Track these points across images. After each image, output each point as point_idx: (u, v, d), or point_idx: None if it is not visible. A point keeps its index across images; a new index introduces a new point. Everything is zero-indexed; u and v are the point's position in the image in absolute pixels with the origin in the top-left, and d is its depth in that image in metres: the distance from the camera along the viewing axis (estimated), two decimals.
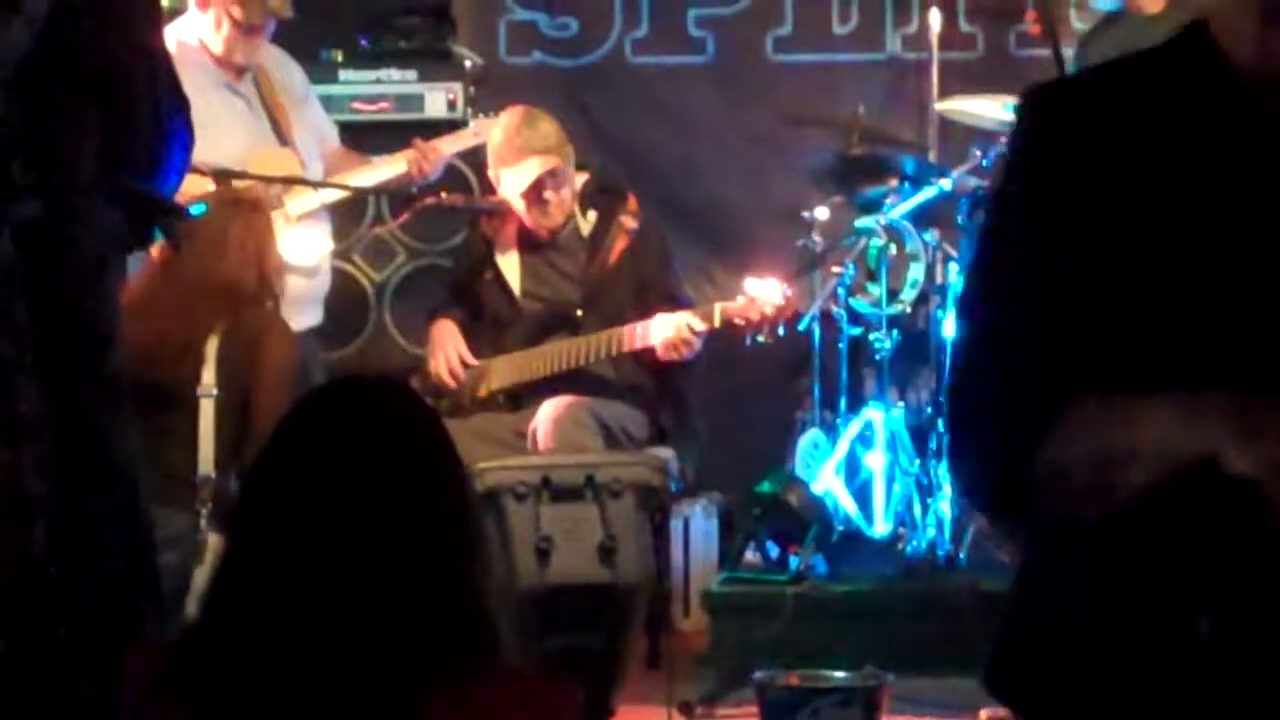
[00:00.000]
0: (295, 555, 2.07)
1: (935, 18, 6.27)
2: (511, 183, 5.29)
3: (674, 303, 5.23)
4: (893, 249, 5.74)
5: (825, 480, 5.74)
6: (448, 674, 2.03)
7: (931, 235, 5.81)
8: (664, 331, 5.11)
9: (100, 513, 2.76)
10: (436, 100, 6.18)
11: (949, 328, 5.74)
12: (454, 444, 2.21)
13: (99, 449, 2.77)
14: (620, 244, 5.34)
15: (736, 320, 5.11)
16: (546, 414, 5.10)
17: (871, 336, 5.82)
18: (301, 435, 2.17)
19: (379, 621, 2.04)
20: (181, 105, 3.03)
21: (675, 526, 5.67)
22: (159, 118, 2.93)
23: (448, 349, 5.39)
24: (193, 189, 4.49)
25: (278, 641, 2.05)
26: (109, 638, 2.70)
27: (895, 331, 5.81)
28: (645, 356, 5.21)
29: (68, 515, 2.69)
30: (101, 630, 2.71)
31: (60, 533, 2.67)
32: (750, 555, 5.67)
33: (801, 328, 5.73)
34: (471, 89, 6.18)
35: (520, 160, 5.26)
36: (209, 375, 4.36)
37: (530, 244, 5.39)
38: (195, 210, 4.27)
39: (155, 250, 4.46)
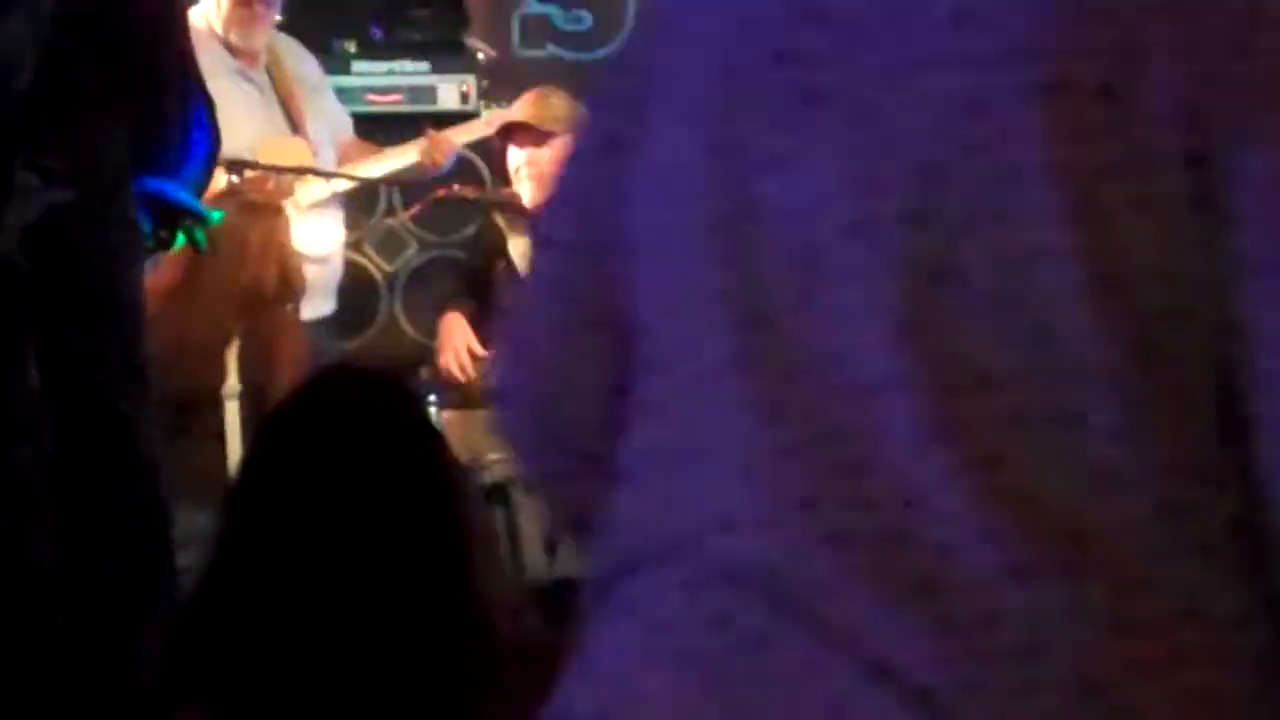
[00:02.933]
0: (280, 550, 2.06)
1: None
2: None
3: None
4: None
5: None
6: (441, 675, 2.02)
7: None
8: None
9: (120, 503, 2.76)
10: (449, 92, 6.17)
11: None
12: (444, 439, 2.20)
13: (123, 438, 2.77)
14: None
15: None
16: None
17: None
18: (291, 425, 2.16)
19: (362, 619, 2.03)
20: (208, 106, 3.02)
21: None
22: (187, 120, 2.93)
23: (457, 343, 5.39)
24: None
25: (262, 638, 2.04)
26: (126, 625, 2.70)
27: None
28: None
29: (87, 506, 2.69)
30: (119, 618, 2.71)
31: (76, 523, 2.66)
32: None
33: None
34: (484, 81, 6.18)
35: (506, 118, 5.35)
36: (233, 377, 4.36)
37: None
38: (215, 216, 4.27)
39: (173, 256, 4.48)
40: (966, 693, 1.20)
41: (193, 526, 3.88)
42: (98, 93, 2.73)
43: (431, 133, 5.47)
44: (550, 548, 4.46)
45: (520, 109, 5.34)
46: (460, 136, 5.56)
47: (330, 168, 5.32)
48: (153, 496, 2.84)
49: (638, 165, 1.38)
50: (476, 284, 5.51)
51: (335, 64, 6.00)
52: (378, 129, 5.83)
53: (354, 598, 2.04)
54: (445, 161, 5.46)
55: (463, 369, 5.36)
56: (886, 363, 1.24)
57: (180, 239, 3.12)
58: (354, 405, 2.16)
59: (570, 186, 1.48)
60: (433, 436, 2.22)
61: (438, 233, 6.26)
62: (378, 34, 6.35)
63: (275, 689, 2.03)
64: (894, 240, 1.25)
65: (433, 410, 5.01)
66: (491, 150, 5.65)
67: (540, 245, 1.50)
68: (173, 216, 3.03)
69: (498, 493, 4.49)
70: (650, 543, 1.32)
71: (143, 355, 2.84)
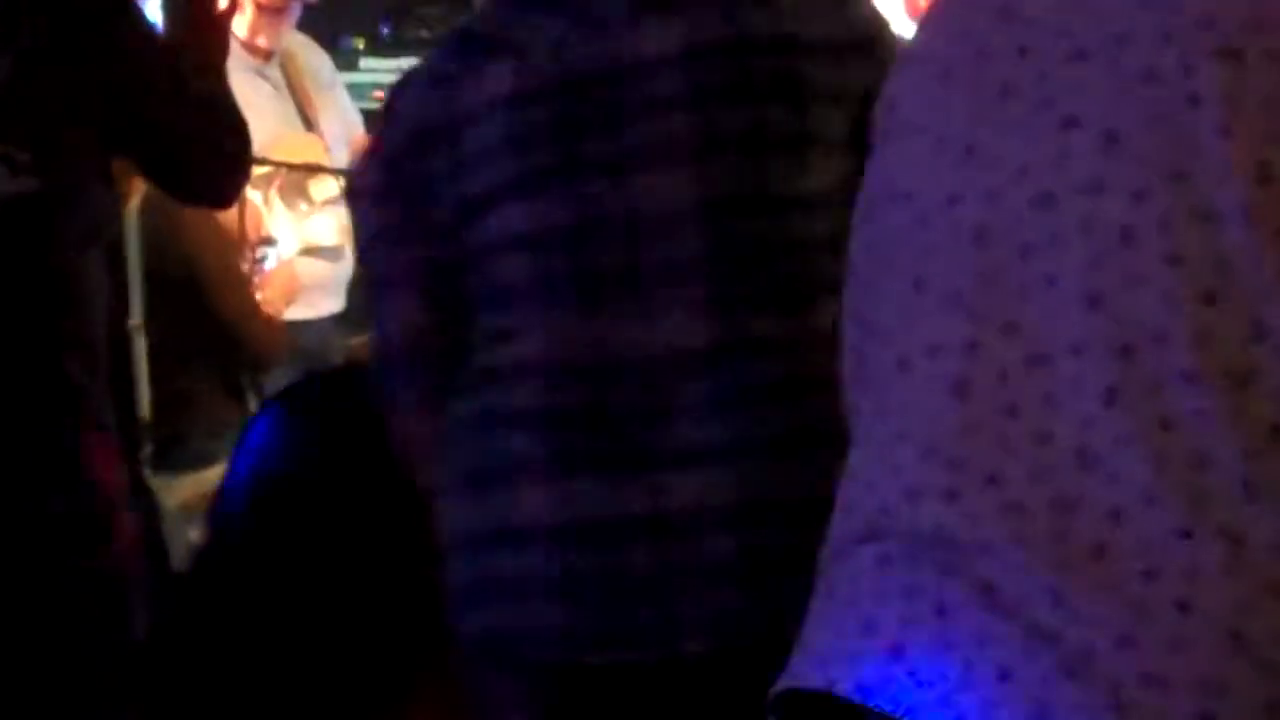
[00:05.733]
0: (272, 545, 2.07)
1: None
2: None
3: None
4: None
5: None
6: (428, 676, 2.02)
7: None
8: None
9: (72, 466, 2.83)
10: None
11: None
12: None
13: (74, 403, 2.86)
14: None
15: None
16: None
17: None
18: (284, 424, 2.17)
19: (352, 621, 2.03)
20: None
21: None
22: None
23: None
24: None
25: (250, 639, 2.05)
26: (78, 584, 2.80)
27: None
28: None
29: (40, 467, 2.78)
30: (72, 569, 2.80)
31: (29, 484, 2.76)
32: None
33: None
34: None
35: None
36: (137, 313, 4.22)
37: None
38: None
39: None
40: (1121, 647, 1.25)
41: None
42: (59, 90, 2.80)
43: None
44: None
45: None
46: None
47: (343, 165, 5.32)
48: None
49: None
50: None
51: (343, 60, 6.01)
52: None
53: (327, 593, 2.04)
54: None
55: None
56: (1068, 329, 1.31)
57: None
58: (347, 399, 2.17)
59: None
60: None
61: None
62: (386, 30, 6.36)
63: (228, 681, 2.04)
64: (1076, 209, 1.33)
65: None
66: None
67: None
68: None
69: None
70: (855, 524, 1.40)
71: (93, 333, 2.92)
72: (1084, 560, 1.27)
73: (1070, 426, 1.30)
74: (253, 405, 4.04)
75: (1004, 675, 1.27)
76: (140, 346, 4.16)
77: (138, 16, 2.93)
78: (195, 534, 3.70)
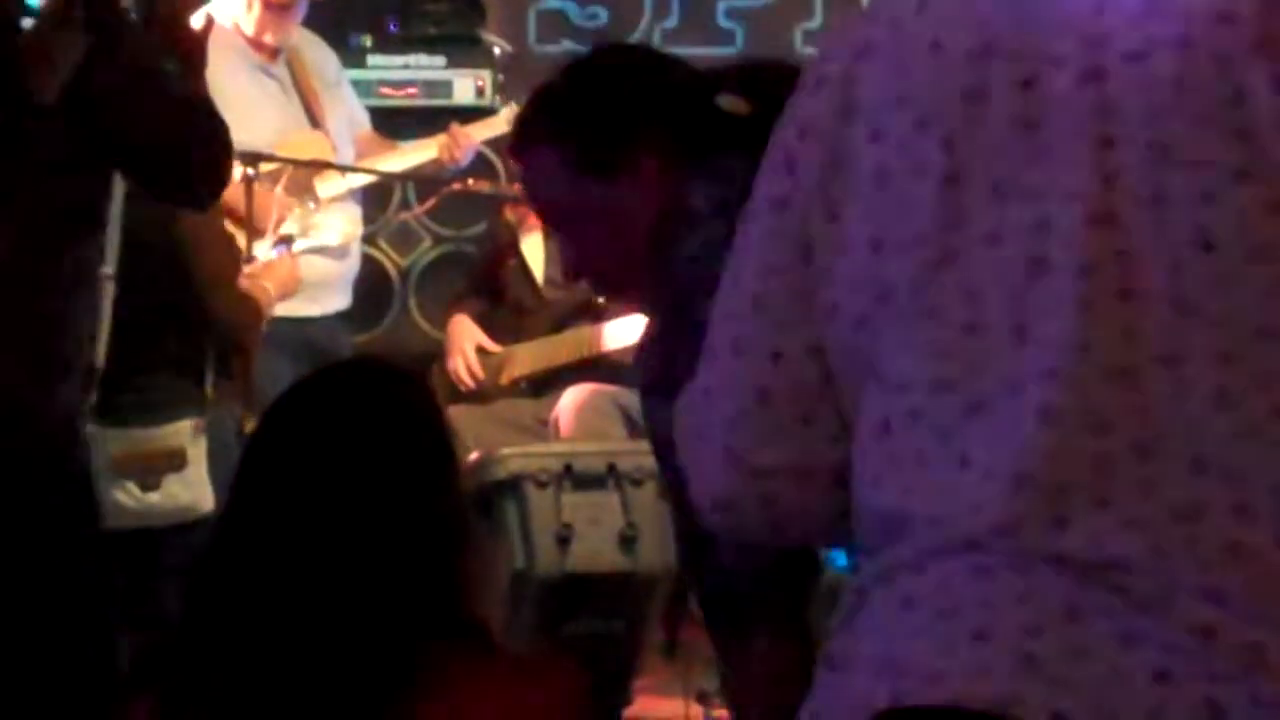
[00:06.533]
0: (281, 540, 2.07)
1: None
2: None
3: None
4: None
5: None
6: (434, 670, 2.02)
7: None
8: None
9: (50, 481, 2.90)
10: (465, 87, 6.18)
11: None
12: (453, 439, 2.21)
13: (67, 430, 2.94)
14: None
15: None
16: (569, 401, 5.10)
17: None
18: (297, 415, 2.17)
19: (359, 614, 2.03)
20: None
21: None
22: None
23: (465, 346, 5.40)
24: None
25: (258, 632, 2.05)
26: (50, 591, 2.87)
27: None
28: None
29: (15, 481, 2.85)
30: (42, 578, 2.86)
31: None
32: None
33: None
34: (500, 76, 6.19)
35: None
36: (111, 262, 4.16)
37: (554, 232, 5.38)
38: None
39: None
40: None
41: None
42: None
43: (455, 127, 5.47)
44: (562, 542, 4.47)
45: None
46: (480, 133, 5.56)
47: (349, 162, 5.33)
48: (84, 474, 2.99)
49: (837, 241, 1.44)
50: (487, 280, 5.51)
51: (351, 57, 6.01)
52: (392, 123, 5.83)
53: (335, 587, 2.04)
54: (464, 157, 5.46)
55: (470, 371, 5.37)
56: (1156, 339, 1.30)
57: None
58: (356, 394, 2.17)
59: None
60: (433, 429, 2.22)
61: (451, 227, 6.27)
62: (394, 28, 6.36)
63: (236, 674, 2.04)
64: (1140, 220, 1.31)
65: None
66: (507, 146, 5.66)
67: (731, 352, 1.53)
68: None
69: (510, 486, 4.49)
70: (925, 542, 1.35)
71: (88, 362, 3.06)
72: (1225, 560, 1.26)
73: (1174, 433, 1.28)
74: (209, 384, 3.99)
75: (1162, 676, 1.25)
76: (109, 293, 4.10)
77: (123, 18, 2.94)
78: (123, 495, 3.68)
